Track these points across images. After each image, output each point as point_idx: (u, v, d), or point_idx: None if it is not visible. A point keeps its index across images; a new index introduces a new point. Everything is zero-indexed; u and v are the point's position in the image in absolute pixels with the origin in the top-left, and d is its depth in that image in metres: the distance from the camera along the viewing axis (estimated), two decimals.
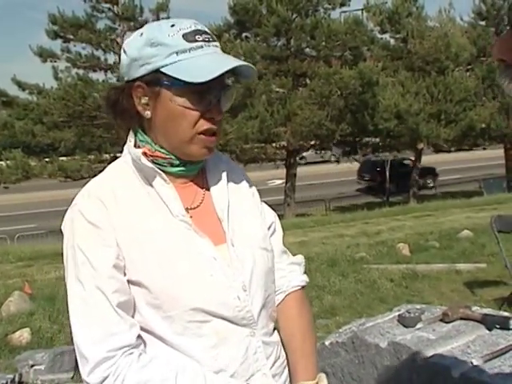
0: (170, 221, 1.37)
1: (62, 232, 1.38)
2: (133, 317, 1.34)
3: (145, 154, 1.39)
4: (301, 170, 26.21)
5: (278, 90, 22.06)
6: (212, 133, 1.39)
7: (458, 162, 37.58)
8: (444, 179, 32.04)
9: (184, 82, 1.30)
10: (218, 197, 1.47)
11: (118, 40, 22.81)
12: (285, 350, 1.55)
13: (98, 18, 22.59)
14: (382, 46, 25.20)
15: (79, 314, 1.31)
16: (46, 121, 21.31)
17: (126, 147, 1.44)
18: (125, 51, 1.38)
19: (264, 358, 1.42)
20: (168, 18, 22.54)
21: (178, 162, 1.41)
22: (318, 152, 26.38)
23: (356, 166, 30.34)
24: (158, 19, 22.51)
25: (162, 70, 1.32)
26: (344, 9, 23.61)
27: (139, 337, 1.33)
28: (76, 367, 5.38)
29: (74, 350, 4.89)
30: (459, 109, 23.73)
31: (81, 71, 22.14)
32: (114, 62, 22.91)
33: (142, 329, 1.35)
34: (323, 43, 22.09)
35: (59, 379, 5.21)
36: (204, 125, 1.36)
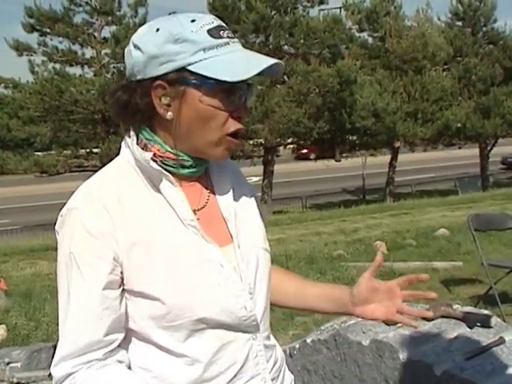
0: (177, 225, 1.30)
1: (56, 232, 1.30)
2: (125, 328, 1.29)
3: (154, 154, 1.31)
4: (277, 167, 26.26)
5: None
6: (239, 134, 1.32)
7: (434, 161, 37.92)
8: (419, 178, 32.33)
9: (215, 80, 1.23)
10: (222, 196, 1.41)
11: (96, 34, 22.66)
12: (294, 300, 1.61)
13: (75, 11, 22.46)
14: (360, 45, 25.42)
15: (60, 326, 1.27)
16: (21, 115, 21.11)
17: (125, 145, 1.35)
18: (138, 48, 1.27)
19: (264, 361, 1.39)
20: (146, 12, 22.50)
21: (190, 164, 1.34)
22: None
23: (333, 163, 30.55)
24: (136, 14, 22.42)
25: (189, 68, 1.24)
26: (323, 7, 23.74)
27: (112, 352, 1.28)
28: None
29: (50, 347, 4.80)
30: (435, 108, 24.04)
31: (57, 65, 21.95)
32: (91, 57, 22.75)
33: (140, 338, 1.31)
34: (302, 41, 22.20)
35: (36, 377, 5.14)
36: (232, 126, 1.29)
